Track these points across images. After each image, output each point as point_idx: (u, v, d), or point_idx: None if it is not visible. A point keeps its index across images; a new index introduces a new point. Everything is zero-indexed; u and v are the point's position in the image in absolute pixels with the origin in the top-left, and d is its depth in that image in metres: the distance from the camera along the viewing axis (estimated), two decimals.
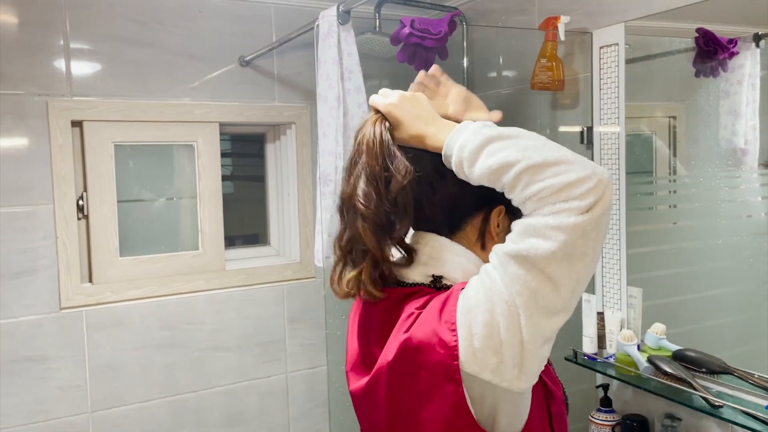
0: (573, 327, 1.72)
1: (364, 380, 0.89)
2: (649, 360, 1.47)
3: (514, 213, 0.82)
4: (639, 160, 1.81)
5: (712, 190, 1.73)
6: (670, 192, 1.86)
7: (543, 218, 0.73)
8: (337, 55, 1.36)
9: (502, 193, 0.80)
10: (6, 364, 1.74)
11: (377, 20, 1.66)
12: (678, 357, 1.49)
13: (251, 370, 2.07)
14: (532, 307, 0.73)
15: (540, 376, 0.83)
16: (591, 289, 1.70)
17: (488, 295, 0.75)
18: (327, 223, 1.43)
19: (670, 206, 1.89)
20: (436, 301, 0.81)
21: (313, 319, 2.16)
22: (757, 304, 1.61)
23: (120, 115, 1.84)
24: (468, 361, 0.76)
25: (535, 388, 0.84)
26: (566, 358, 1.68)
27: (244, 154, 2.31)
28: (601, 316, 1.65)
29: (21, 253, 1.74)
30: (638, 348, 1.54)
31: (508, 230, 0.80)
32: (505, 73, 1.97)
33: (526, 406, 0.82)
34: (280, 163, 2.21)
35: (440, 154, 0.83)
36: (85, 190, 1.84)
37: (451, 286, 0.84)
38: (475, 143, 0.78)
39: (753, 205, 1.70)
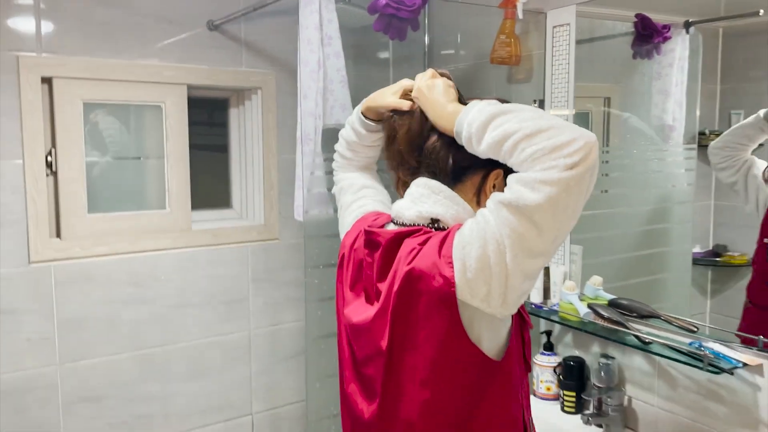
0: None
1: (372, 311, 1.02)
2: (589, 306, 1.68)
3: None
4: None
5: (644, 162, 1.95)
6: (603, 162, 2.06)
7: (534, 173, 0.86)
8: (318, 22, 1.47)
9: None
10: None
11: None
12: (613, 305, 1.70)
13: (216, 326, 2.17)
14: (518, 248, 0.88)
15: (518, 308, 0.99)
16: None
17: (482, 234, 0.90)
18: (308, 179, 1.54)
19: (603, 174, 2.10)
20: (436, 239, 0.95)
21: (275, 279, 2.27)
22: (681, 262, 1.84)
23: (89, 74, 1.88)
24: (462, 289, 0.91)
25: (514, 316, 1.00)
26: None
27: (200, 122, 2.36)
28: (546, 270, 1.85)
29: None
30: (578, 297, 1.75)
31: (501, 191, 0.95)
32: (463, 48, 2.13)
33: (505, 331, 0.98)
34: (244, 129, 2.29)
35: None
36: (54, 146, 1.87)
37: (447, 228, 0.99)
38: (480, 120, 0.92)
39: (678, 176, 1.92)
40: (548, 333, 1.86)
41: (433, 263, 0.93)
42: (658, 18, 1.85)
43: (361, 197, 1.20)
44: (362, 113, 1.15)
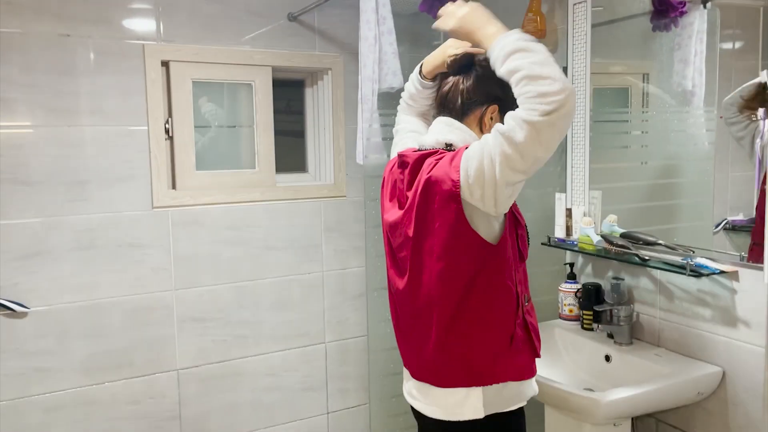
0: (547, 221, 2.26)
1: (404, 210, 1.42)
2: (602, 235, 2.01)
3: (504, 112, 1.36)
4: (615, 103, 2.30)
5: (665, 122, 2.21)
6: (626, 122, 2.34)
7: (521, 112, 1.21)
8: (374, 4, 1.88)
9: (497, 96, 1.34)
10: (114, 247, 2.28)
11: None
12: (624, 236, 2.02)
13: (295, 266, 2.62)
14: (504, 164, 1.25)
15: (511, 209, 1.37)
16: (563, 189, 2.23)
17: (481, 151, 1.28)
18: (367, 131, 1.96)
19: (641, 132, 2.36)
20: (449, 155, 1.35)
21: (343, 230, 2.70)
22: (699, 213, 2.03)
23: (197, 57, 2.37)
24: (465, 190, 1.29)
25: (508, 216, 1.38)
26: (542, 243, 2.23)
27: (280, 110, 2.77)
28: (569, 211, 2.19)
29: (124, 163, 2.28)
30: (594, 231, 2.08)
31: (500, 122, 1.33)
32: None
33: (497, 226, 1.35)
34: (317, 104, 2.73)
35: (467, 63, 1.38)
36: (170, 116, 2.37)
37: (444, 152, 1.38)
38: (508, 49, 1.26)
39: (699, 136, 2.16)
40: (571, 265, 2.20)
41: (445, 172, 1.31)
42: None
43: (405, 137, 1.60)
44: (419, 73, 1.54)
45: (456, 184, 1.29)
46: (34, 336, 2.17)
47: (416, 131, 1.59)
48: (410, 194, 1.40)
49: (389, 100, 2.02)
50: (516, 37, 1.27)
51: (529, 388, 1.45)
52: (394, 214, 1.47)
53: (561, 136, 1.22)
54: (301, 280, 2.63)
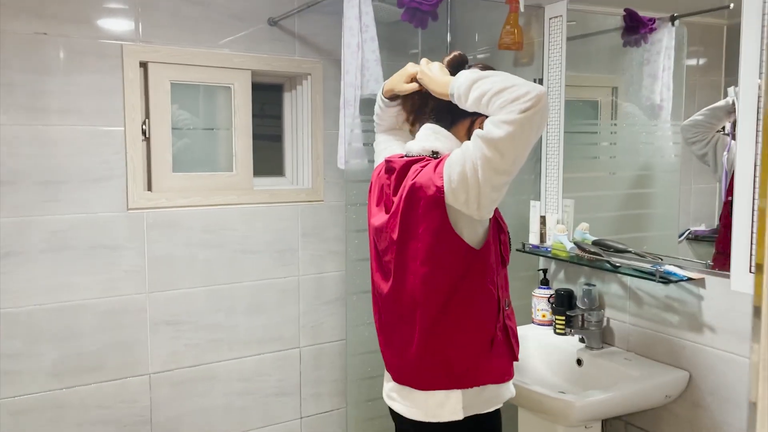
0: (521, 228, 2.31)
1: (388, 214, 1.45)
2: (575, 242, 2.07)
3: None
4: (586, 115, 2.37)
5: (634, 135, 2.28)
6: (598, 133, 2.41)
7: (498, 115, 1.27)
8: (357, 12, 1.91)
9: None
10: (87, 249, 2.25)
11: None
12: (595, 243, 2.08)
13: (271, 270, 2.62)
14: (486, 167, 1.29)
15: (494, 215, 1.41)
16: (537, 197, 2.28)
17: (463, 156, 1.32)
18: (348, 135, 1.98)
19: (610, 143, 2.43)
20: (433, 162, 1.38)
21: (320, 234, 2.71)
22: (665, 223, 2.11)
23: (176, 59, 2.36)
24: (449, 196, 1.33)
25: (491, 221, 1.41)
26: (517, 249, 2.27)
27: (256, 115, 2.77)
28: (543, 218, 2.24)
29: (100, 164, 2.26)
30: (567, 239, 2.14)
31: None
32: (479, 38, 2.54)
33: (481, 230, 1.39)
34: (295, 108, 2.74)
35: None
36: (147, 117, 2.36)
37: (429, 159, 1.42)
38: (465, 84, 1.34)
39: (666, 149, 2.25)
40: (545, 271, 2.25)
41: (429, 178, 1.35)
42: (647, 13, 2.18)
43: (386, 147, 1.64)
44: (383, 95, 1.59)
45: (440, 190, 1.32)
46: (3, 337, 2.13)
47: (395, 141, 1.63)
48: (395, 199, 1.43)
49: (371, 106, 2.05)
50: (468, 72, 1.37)
51: (507, 390, 1.48)
52: (380, 218, 1.49)
53: (538, 133, 1.28)
54: (276, 284, 2.63)
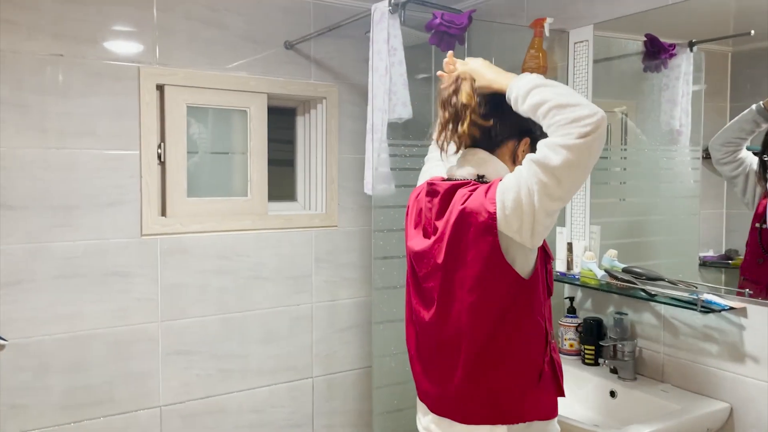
0: None
1: (432, 239, 1.38)
2: (605, 270, 2.02)
3: (535, 146, 1.35)
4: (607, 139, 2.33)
5: (655, 160, 2.26)
6: (621, 158, 2.39)
7: (556, 138, 1.20)
8: (386, 36, 1.87)
9: (530, 130, 1.33)
10: (99, 275, 2.17)
11: (403, 15, 2.16)
12: (626, 270, 2.03)
13: (284, 298, 2.54)
14: (542, 193, 1.23)
15: (543, 244, 1.35)
16: (562, 224, 2.24)
17: (517, 182, 1.26)
18: (375, 160, 1.93)
19: (622, 168, 2.42)
20: (483, 188, 1.32)
21: (334, 260, 2.64)
22: (686, 248, 2.08)
23: (192, 82, 2.30)
24: (501, 223, 1.27)
25: (539, 250, 1.36)
26: None
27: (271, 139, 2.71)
28: (569, 245, 2.19)
29: (114, 188, 2.18)
30: (597, 265, 2.09)
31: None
32: (498, 61, 2.51)
33: (532, 259, 1.33)
34: (308, 133, 2.69)
35: (499, 100, 1.35)
36: (163, 141, 2.29)
37: (476, 183, 1.36)
38: (527, 86, 1.27)
39: (685, 174, 2.21)
40: (571, 299, 2.20)
41: (480, 203, 1.29)
42: (666, 39, 2.18)
43: (433, 166, 1.58)
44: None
45: (492, 216, 1.26)
46: (11, 370, 2.03)
47: (430, 169, 1.58)
48: (440, 224, 1.37)
49: (397, 131, 2.01)
50: (533, 76, 1.30)
51: (553, 427, 1.42)
52: (420, 242, 1.43)
53: (596, 158, 1.21)
54: (289, 311, 2.56)
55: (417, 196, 1.48)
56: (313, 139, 2.66)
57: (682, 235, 2.13)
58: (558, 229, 2.21)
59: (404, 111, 1.92)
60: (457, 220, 1.31)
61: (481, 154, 1.40)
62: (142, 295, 2.25)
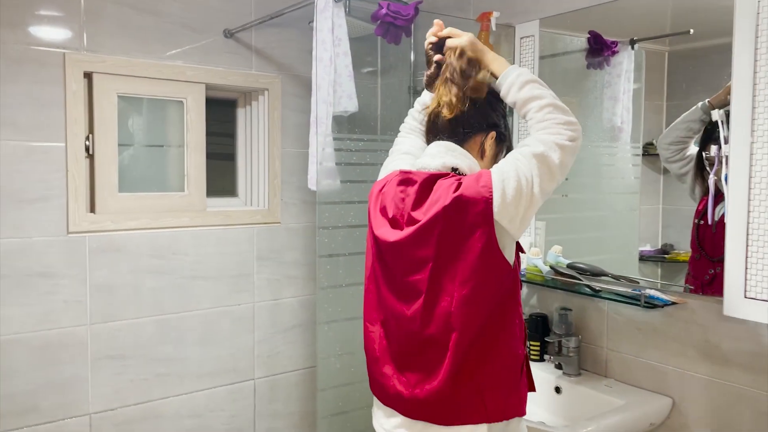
0: None
1: (411, 229, 1.31)
2: (550, 266, 2.01)
3: (501, 140, 1.35)
4: None
5: (597, 156, 2.27)
6: None
7: (551, 136, 1.26)
8: (330, 26, 1.80)
9: (496, 124, 1.34)
10: (22, 277, 2.02)
11: (348, 4, 2.10)
12: (570, 266, 2.04)
13: (224, 297, 2.44)
14: (540, 183, 1.24)
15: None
16: None
17: (516, 172, 1.25)
18: (320, 155, 1.85)
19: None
20: (471, 177, 1.28)
21: (277, 258, 2.56)
22: (627, 243, 2.10)
23: (124, 70, 2.17)
24: (499, 212, 1.23)
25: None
26: None
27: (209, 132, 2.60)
28: (517, 243, 2.18)
29: (37, 182, 2.03)
30: (542, 261, 2.08)
31: (495, 151, 1.37)
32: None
33: (513, 249, 1.32)
34: (250, 125, 2.59)
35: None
36: (91, 132, 2.15)
37: (454, 175, 1.32)
38: (527, 77, 1.32)
39: (626, 170, 2.23)
40: None
41: (477, 191, 1.25)
42: (608, 36, 2.19)
43: (398, 159, 1.52)
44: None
45: (490, 204, 1.24)
46: None
47: (410, 152, 1.52)
48: (420, 214, 1.31)
49: (342, 125, 1.94)
50: (526, 69, 1.38)
51: (523, 424, 1.39)
52: (393, 234, 1.36)
53: (573, 159, 1.31)
54: (230, 312, 2.46)
55: (382, 189, 1.42)
56: (254, 132, 2.56)
57: (623, 230, 2.15)
58: None
59: (350, 104, 1.86)
60: (448, 209, 1.26)
61: (451, 146, 1.36)
62: (70, 296, 2.11)
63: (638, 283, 1.89)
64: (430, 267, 1.30)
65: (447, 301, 1.29)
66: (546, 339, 2.00)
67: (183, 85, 2.31)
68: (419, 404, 1.32)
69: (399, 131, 1.58)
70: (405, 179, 1.37)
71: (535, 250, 2.09)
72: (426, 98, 1.52)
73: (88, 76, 2.13)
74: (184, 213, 2.34)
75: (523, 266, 2.14)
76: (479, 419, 1.28)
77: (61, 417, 2.10)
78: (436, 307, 1.30)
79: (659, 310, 1.80)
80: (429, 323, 1.31)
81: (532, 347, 2.08)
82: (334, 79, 1.82)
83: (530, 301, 2.20)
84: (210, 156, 2.44)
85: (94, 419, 2.17)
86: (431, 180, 1.32)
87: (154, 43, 2.23)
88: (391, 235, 1.36)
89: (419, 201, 1.32)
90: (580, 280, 1.93)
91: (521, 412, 1.34)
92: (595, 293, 1.88)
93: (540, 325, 2.08)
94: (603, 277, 1.97)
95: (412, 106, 1.56)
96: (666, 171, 1.96)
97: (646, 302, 1.74)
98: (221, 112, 2.58)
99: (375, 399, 1.46)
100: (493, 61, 1.38)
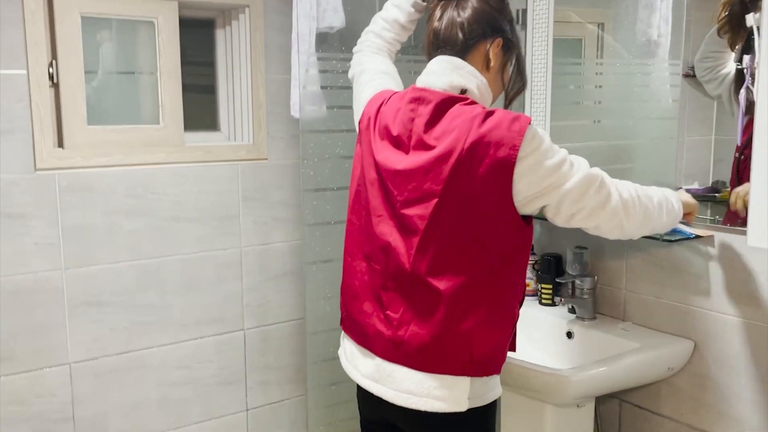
0: None
1: (422, 157, 1.34)
2: None
3: (508, 47, 1.36)
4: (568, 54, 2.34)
5: (627, 76, 2.25)
6: (596, 74, 2.35)
7: (636, 219, 1.46)
8: None
9: (501, 28, 1.36)
10: None
11: None
12: None
13: (208, 241, 2.52)
14: (578, 180, 1.34)
15: None
16: None
17: (570, 157, 1.35)
18: (303, 77, 1.89)
19: (595, 86, 2.42)
20: (508, 116, 1.30)
21: (264, 198, 2.62)
22: (662, 177, 2.06)
23: None
24: (521, 169, 1.28)
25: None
26: None
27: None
28: None
29: None
30: None
31: (502, 60, 1.39)
32: None
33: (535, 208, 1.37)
34: (230, 50, 2.61)
35: None
36: (55, 58, 2.20)
37: (474, 101, 1.35)
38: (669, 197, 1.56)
39: (662, 92, 2.15)
40: None
41: (505, 135, 1.27)
42: None
43: (379, 78, 1.55)
44: None
45: (515, 153, 1.27)
46: None
47: (390, 74, 1.54)
48: (433, 139, 1.34)
49: (329, 42, 1.96)
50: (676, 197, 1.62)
51: (498, 381, 1.47)
52: (399, 159, 1.38)
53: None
54: (215, 257, 2.54)
55: (380, 106, 1.45)
56: (235, 57, 2.58)
57: (658, 161, 2.14)
58: None
59: (336, 18, 1.88)
60: (473, 146, 1.29)
61: (455, 61, 1.38)
62: (41, 239, 2.20)
63: None
64: (434, 203, 1.33)
65: (446, 244, 1.33)
66: (558, 280, 2.05)
67: (152, 3, 2.33)
68: (400, 346, 1.38)
69: (356, 49, 1.60)
70: (419, 97, 1.38)
71: None
72: (393, 13, 1.54)
73: None
74: (160, 148, 2.40)
75: None
76: (463, 371, 1.35)
77: (39, 366, 2.22)
78: (432, 247, 1.34)
79: (684, 245, 1.85)
80: (422, 263, 1.35)
81: (543, 291, 2.15)
82: None
83: (543, 241, 2.26)
84: (189, 88, 2.47)
85: (73, 369, 2.29)
86: (448, 102, 1.34)
87: None
88: (396, 161, 1.38)
89: (431, 123, 1.35)
90: None
91: (499, 370, 1.43)
92: None
93: (553, 266, 2.14)
94: None
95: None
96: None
97: (665, 237, 1.78)
98: (199, 36, 2.60)
99: (346, 339, 1.53)
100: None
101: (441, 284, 1.34)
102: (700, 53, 1.89)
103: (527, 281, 2.21)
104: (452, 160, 1.30)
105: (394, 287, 1.41)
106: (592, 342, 1.97)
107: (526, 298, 2.17)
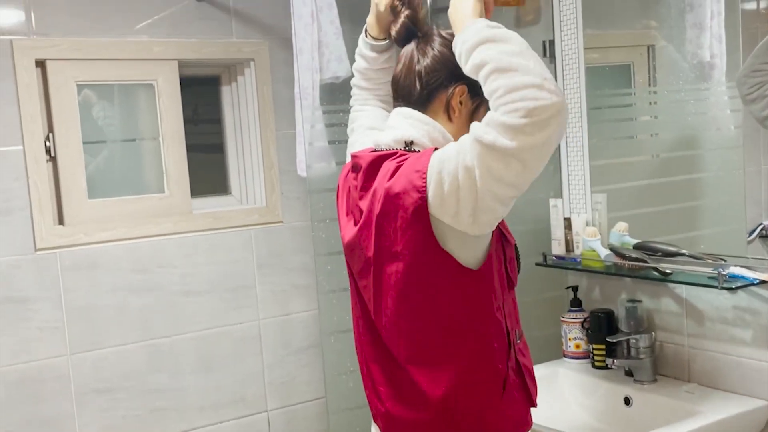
0: (541, 234, 2.27)
1: (358, 225, 1.39)
2: (610, 248, 2.03)
3: (477, 92, 1.35)
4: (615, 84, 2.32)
5: (679, 104, 2.20)
6: (649, 104, 2.32)
7: (498, 115, 1.18)
8: None
9: (462, 75, 1.32)
10: None
11: None
12: (638, 247, 2.05)
13: (223, 315, 2.55)
14: (487, 176, 1.20)
15: (498, 225, 1.35)
16: (558, 194, 2.25)
17: (457, 158, 1.23)
18: (308, 133, 1.93)
19: (632, 119, 2.40)
20: (413, 158, 1.31)
21: (281, 264, 2.65)
22: (728, 214, 2.00)
23: (80, 54, 2.30)
24: (434, 206, 1.26)
25: (494, 233, 1.36)
26: (536, 263, 2.23)
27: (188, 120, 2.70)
28: (567, 221, 2.21)
29: None
30: (601, 244, 2.10)
31: (470, 108, 1.35)
32: None
33: (482, 246, 1.33)
34: (237, 106, 2.69)
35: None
36: (51, 131, 2.29)
37: (422, 150, 1.34)
38: (470, 42, 1.25)
39: (722, 118, 2.08)
40: (575, 288, 2.21)
41: (408, 181, 1.28)
42: None
43: (361, 136, 1.58)
44: (367, 33, 1.52)
45: (423, 196, 1.26)
46: None
47: (376, 127, 1.57)
48: (364, 205, 1.37)
49: (335, 94, 2.00)
50: (481, 26, 1.26)
51: None
52: (350, 231, 1.44)
53: (555, 143, 1.21)
54: (231, 332, 2.57)
55: (346, 175, 1.49)
56: (243, 113, 2.66)
57: (723, 198, 2.06)
58: (552, 201, 2.22)
59: (340, 68, 1.92)
60: (384, 204, 1.32)
61: (407, 112, 1.39)
62: (45, 323, 2.26)
63: (724, 260, 1.87)
64: (372, 272, 1.36)
65: (393, 314, 1.35)
66: (608, 339, 2.01)
67: (151, 65, 2.43)
68: (393, 422, 1.42)
69: (350, 104, 1.64)
70: (354, 164, 1.43)
71: (591, 229, 2.11)
72: (359, 63, 1.57)
73: (41, 64, 2.27)
74: (167, 218, 2.46)
75: (578, 251, 2.16)
76: None
77: None
78: (382, 317, 1.38)
79: (750, 292, 1.80)
80: (379, 337, 1.40)
81: (595, 351, 2.11)
82: (318, 39, 1.88)
83: (592, 295, 2.23)
84: (195, 148, 2.55)
85: None
86: (377, 163, 1.36)
87: (113, 17, 2.35)
88: (346, 234, 1.44)
89: (364, 188, 1.38)
90: (647, 262, 1.94)
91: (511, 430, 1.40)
92: (664, 277, 1.89)
93: (604, 324, 2.10)
94: (679, 257, 1.95)
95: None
96: None
97: (725, 282, 1.73)
98: (204, 94, 2.69)
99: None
100: (458, 21, 1.33)
101: (400, 355, 1.37)
102: (745, 67, 1.81)
103: (576, 341, 2.18)
104: (372, 223, 1.33)
105: (373, 362, 1.45)
106: (653, 408, 1.92)
107: (578, 361, 2.16)
